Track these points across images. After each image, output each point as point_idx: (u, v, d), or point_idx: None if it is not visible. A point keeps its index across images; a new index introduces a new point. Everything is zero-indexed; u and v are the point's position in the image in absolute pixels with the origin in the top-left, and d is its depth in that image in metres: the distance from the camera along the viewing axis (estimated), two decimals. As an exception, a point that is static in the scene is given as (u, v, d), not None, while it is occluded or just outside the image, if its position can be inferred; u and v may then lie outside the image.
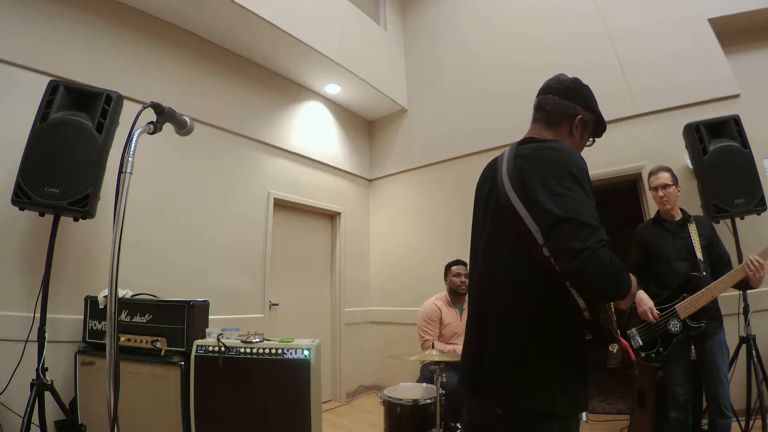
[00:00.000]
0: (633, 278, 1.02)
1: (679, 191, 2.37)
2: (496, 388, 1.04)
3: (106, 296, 2.24)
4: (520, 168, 1.05)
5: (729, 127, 2.64)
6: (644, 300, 2.17)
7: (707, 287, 2.06)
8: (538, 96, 1.24)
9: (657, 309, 2.16)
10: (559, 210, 0.92)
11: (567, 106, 1.17)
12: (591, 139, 1.25)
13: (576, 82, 1.24)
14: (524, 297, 1.03)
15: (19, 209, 2.09)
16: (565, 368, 1.00)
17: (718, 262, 2.20)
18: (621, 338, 1.02)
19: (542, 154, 1.05)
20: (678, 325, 2.11)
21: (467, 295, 1.34)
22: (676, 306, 2.13)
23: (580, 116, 1.17)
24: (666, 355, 2.14)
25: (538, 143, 1.11)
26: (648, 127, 3.28)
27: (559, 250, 0.91)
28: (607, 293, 0.94)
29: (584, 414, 1.04)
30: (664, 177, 2.36)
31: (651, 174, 2.45)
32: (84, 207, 2.11)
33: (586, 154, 1.18)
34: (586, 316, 0.98)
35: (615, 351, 0.99)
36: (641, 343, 2.22)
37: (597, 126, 1.23)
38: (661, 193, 2.34)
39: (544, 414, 0.97)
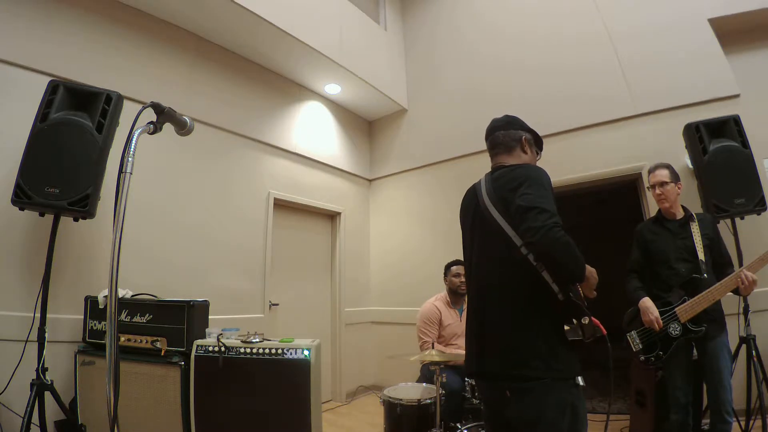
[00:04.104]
0: (592, 269, 1.27)
1: (679, 188, 2.32)
2: (499, 366, 1.26)
3: (106, 296, 2.24)
4: (497, 186, 1.34)
5: (729, 127, 2.64)
6: (650, 309, 2.14)
7: (707, 290, 2.04)
8: (488, 139, 1.56)
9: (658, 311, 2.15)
10: (524, 203, 1.19)
11: (512, 133, 1.49)
12: (538, 154, 1.54)
13: (509, 116, 1.57)
14: (512, 291, 1.28)
15: (19, 209, 2.09)
16: (554, 342, 1.21)
17: (719, 263, 2.19)
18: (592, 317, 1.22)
19: (513, 174, 1.33)
20: (678, 329, 2.10)
21: (466, 300, 1.48)
22: (676, 309, 2.11)
23: (524, 136, 1.49)
24: (666, 358, 2.13)
25: (508, 167, 1.39)
26: (648, 127, 3.28)
27: (524, 230, 1.17)
28: (562, 262, 1.15)
29: (579, 378, 1.22)
30: (662, 174, 2.31)
31: (649, 171, 2.41)
32: (84, 207, 2.11)
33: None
34: (560, 297, 1.20)
35: (587, 322, 1.18)
36: (641, 347, 2.21)
37: (536, 141, 1.54)
38: (658, 191, 2.30)
39: (544, 380, 1.18)
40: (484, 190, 1.39)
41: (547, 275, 1.20)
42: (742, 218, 2.58)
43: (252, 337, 2.17)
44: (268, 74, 4.01)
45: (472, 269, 1.47)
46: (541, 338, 1.21)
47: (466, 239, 1.53)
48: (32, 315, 2.11)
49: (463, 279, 3.07)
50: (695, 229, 2.22)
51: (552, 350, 1.20)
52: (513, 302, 1.26)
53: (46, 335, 2.08)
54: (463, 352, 2.90)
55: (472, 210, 1.46)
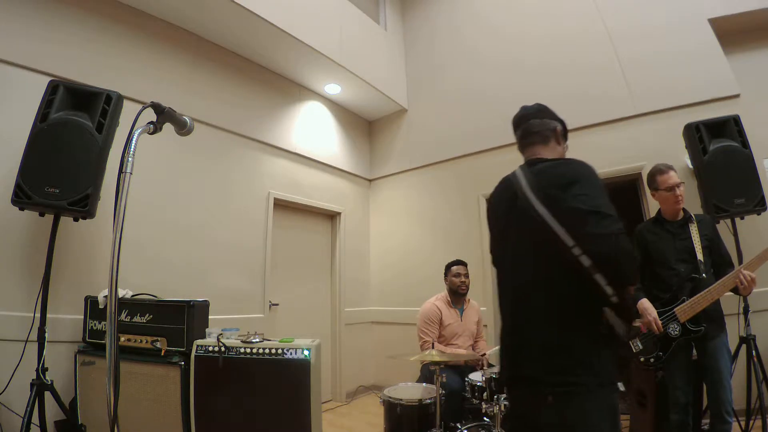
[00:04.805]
0: None
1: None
2: (541, 371, 1.17)
3: (106, 296, 2.24)
4: (542, 181, 1.24)
5: (729, 127, 2.63)
6: (648, 310, 2.12)
7: (706, 290, 2.04)
8: (520, 127, 1.45)
9: (657, 312, 2.15)
10: (583, 205, 1.12)
11: (547, 123, 1.41)
12: (566, 144, 1.46)
13: (540, 104, 1.48)
14: (558, 292, 1.18)
15: (19, 209, 2.09)
16: (600, 345, 1.16)
17: (719, 263, 2.19)
18: None
19: (561, 170, 1.25)
20: (677, 329, 2.09)
21: (498, 304, 1.41)
22: (675, 309, 2.11)
23: (558, 127, 1.41)
24: (665, 359, 2.13)
25: (551, 162, 1.31)
26: (648, 127, 3.28)
27: (589, 236, 1.09)
28: (627, 272, 1.10)
29: (620, 383, 1.15)
30: (677, 176, 2.28)
31: (660, 173, 2.32)
32: (84, 207, 2.11)
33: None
34: (614, 300, 1.11)
35: (637, 325, 1.14)
36: (641, 347, 2.20)
37: (565, 131, 1.45)
38: (678, 192, 2.25)
39: (589, 385, 1.12)
40: (526, 185, 1.27)
41: (600, 278, 1.10)
42: (742, 218, 2.58)
43: (252, 337, 2.17)
44: (268, 74, 4.01)
45: (507, 268, 1.36)
46: (589, 342, 1.15)
47: (498, 236, 1.43)
48: (32, 315, 2.11)
49: (463, 279, 3.07)
50: (694, 229, 2.22)
51: (598, 354, 1.15)
52: (559, 304, 1.19)
53: (46, 335, 2.08)
54: (464, 351, 2.92)
55: (506, 205, 1.35)
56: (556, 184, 1.20)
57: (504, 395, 2.12)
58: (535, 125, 1.41)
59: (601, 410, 1.13)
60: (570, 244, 1.12)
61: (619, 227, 1.09)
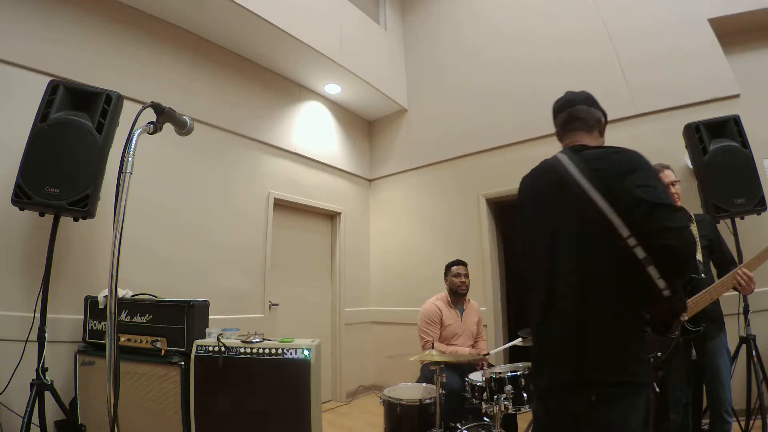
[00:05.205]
0: None
1: None
2: (599, 373, 1.09)
3: (106, 296, 2.24)
4: (599, 170, 1.16)
5: (729, 127, 2.63)
6: None
7: (705, 290, 2.04)
8: (565, 110, 1.40)
9: None
10: (652, 198, 1.05)
11: (594, 112, 1.37)
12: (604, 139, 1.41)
13: (587, 92, 1.44)
14: (612, 286, 1.12)
15: (19, 209, 2.09)
16: (644, 343, 1.13)
17: (721, 262, 2.19)
18: None
19: (617, 157, 1.18)
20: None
21: (536, 300, 1.29)
22: None
23: (602, 119, 1.37)
24: (665, 359, 2.13)
25: (602, 149, 1.25)
26: (648, 127, 3.28)
27: (660, 230, 1.03)
28: (690, 266, 1.07)
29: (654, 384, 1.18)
30: (673, 174, 2.28)
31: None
32: (84, 207, 2.11)
33: None
34: (666, 294, 1.05)
35: (685, 319, 1.13)
36: None
37: (606, 124, 1.41)
38: (674, 191, 2.25)
39: (639, 385, 1.09)
40: (575, 170, 1.18)
41: (653, 270, 1.03)
42: (742, 218, 2.57)
43: (252, 337, 2.17)
44: (268, 74, 4.01)
45: (546, 257, 1.25)
46: (639, 338, 1.11)
47: (535, 222, 1.34)
48: (32, 315, 2.11)
49: (463, 279, 3.07)
50: (693, 230, 2.21)
51: (644, 351, 1.13)
52: (609, 298, 1.11)
53: (46, 335, 2.08)
54: (466, 349, 2.91)
55: (549, 190, 1.27)
56: (614, 171, 1.13)
57: (504, 395, 2.12)
58: (581, 111, 1.36)
59: (639, 410, 1.08)
60: (625, 235, 1.06)
61: (687, 222, 1.09)
